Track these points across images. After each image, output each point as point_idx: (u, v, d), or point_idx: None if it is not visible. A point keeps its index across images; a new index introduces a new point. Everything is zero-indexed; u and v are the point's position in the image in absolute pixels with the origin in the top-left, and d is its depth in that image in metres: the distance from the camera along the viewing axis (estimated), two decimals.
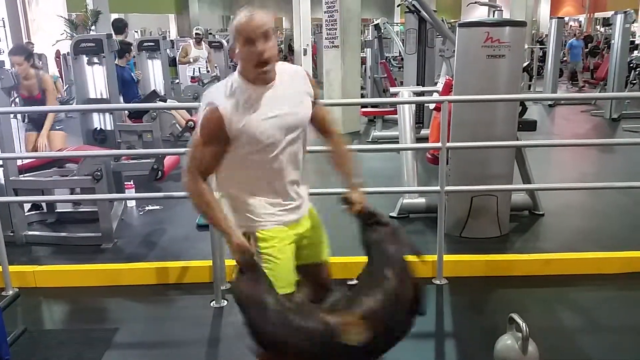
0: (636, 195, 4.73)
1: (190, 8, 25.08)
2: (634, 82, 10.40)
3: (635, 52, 13.22)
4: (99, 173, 3.85)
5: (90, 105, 5.05)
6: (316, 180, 2.36)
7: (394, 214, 4.38)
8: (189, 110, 7.41)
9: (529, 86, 12.60)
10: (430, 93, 5.54)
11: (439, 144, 3.34)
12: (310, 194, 2.10)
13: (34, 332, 2.94)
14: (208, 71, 9.07)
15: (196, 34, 9.56)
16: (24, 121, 6.92)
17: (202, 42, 9.50)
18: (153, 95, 6.56)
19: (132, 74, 6.42)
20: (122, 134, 5.50)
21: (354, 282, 1.93)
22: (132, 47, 6.44)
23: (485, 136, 3.71)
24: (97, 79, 5.05)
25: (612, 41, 9.53)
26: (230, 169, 1.91)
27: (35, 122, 4.94)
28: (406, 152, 4.64)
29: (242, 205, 1.93)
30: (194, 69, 9.14)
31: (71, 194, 4.61)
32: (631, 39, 11.85)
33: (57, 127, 5.07)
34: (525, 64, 4.84)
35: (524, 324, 2.34)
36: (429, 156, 4.38)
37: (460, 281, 3.44)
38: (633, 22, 9.78)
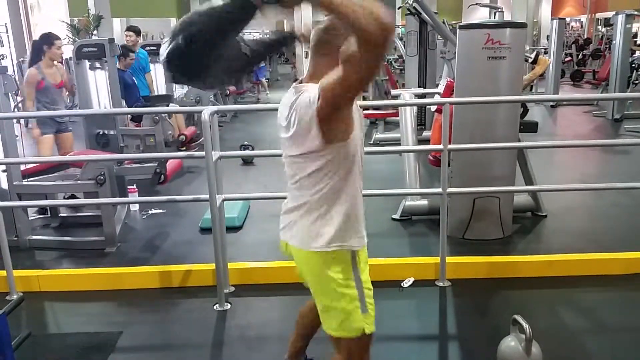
0: (638, 196, 4.72)
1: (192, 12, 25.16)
2: (636, 82, 10.38)
3: (638, 52, 13.19)
4: (102, 177, 3.86)
5: (94, 110, 5.09)
6: None
7: (396, 216, 4.38)
8: (191, 115, 7.43)
9: (531, 87, 12.58)
10: (432, 95, 5.54)
11: (441, 146, 3.34)
12: None
13: (38, 337, 2.94)
14: None
15: None
16: (27, 126, 6.98)
17: None
18: (164, 98, 6.57)
19: (133, 78, 6.43)
20: (125, 138, 5.53)
21: None
22: (133, 52, 6.45)
23: (486, 138, 3.72)
24: (99, 83, 5.08)
25: (614, 42, 9.53)
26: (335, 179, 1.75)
27: (53, 123, 5.08)
28: (408, 154, 4.65)
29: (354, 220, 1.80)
30: None
31: (65, 197, 4.63)
32: (633, 39, 11.82)
33: (69, 129, 5.25)
34: (533, 55, 4.79)
35: (527, 326, 2.35)
36: (431, 158, 4.38)
37: (463, 283, 3.44)
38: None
